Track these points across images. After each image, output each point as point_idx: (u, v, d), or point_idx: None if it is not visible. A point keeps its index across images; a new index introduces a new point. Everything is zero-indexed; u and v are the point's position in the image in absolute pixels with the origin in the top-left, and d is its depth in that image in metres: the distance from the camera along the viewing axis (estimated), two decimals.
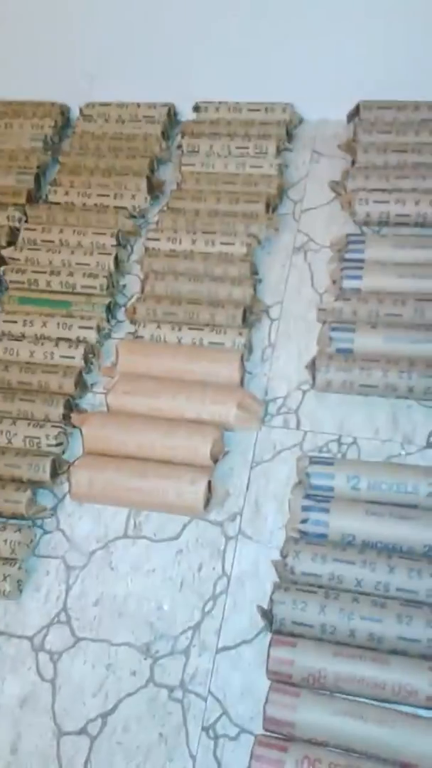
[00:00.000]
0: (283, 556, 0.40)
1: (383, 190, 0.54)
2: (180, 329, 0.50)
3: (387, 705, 0.36)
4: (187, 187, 0.58)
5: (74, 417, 0.48)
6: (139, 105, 0.64)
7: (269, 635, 0.38)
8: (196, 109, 0.63)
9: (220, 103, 0.62)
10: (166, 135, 0.62)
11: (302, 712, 0.36)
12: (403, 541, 0.40)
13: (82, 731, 0.39)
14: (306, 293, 0.53)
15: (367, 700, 0.36)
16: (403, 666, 0.36)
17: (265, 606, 0.39)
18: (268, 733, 0.36)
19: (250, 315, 0.51)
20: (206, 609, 0.42)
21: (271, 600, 0.39)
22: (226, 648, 0.40)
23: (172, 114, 0.64)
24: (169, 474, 0.44)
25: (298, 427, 0.48)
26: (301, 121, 0.62)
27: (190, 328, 0.50)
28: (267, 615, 0.39)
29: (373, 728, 0.35)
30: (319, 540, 0.41)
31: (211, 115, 0.62)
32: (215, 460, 0.45)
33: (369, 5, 0.57)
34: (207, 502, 0.44)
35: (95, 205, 0.58)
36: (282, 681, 0.37)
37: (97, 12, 0.62)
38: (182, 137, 0.61)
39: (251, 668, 0.39)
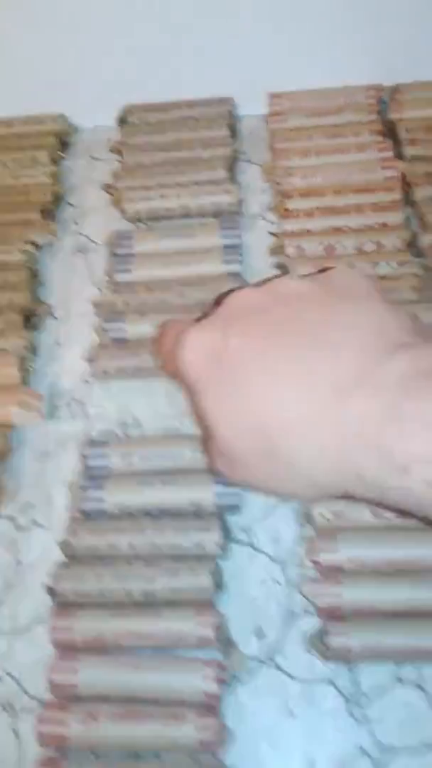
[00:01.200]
0: (66, 535, 0.44)
1: (149, 188, 0.59)
2: None
3: (163, 653, 0.41)
4: None
5: None
6: None
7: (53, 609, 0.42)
8: None
9: None
10: None
11: (84, 673, 0.39)
12: (171, 504, 0.44)
13: None
14: (88, 291, 0.57)
15: (145, 652, 0.40)
16: (173, 615, 0.40)
17: (51, 584, 0.43)
18: (55, 698, 0.40)
19: (32, 318, 0.55)
20: (1, 599, 0.45)
21: (53, 577, 0.42)
22: (21, 631, 0.43)
23: None
24: None
25: (85, 416, 0.51)
26: (75, 129, 0.67)
27: None
28: (52, 592, 0.42)
29: (147, 675, 0.39)
30: (98, 516, 0.45)
31: None
32: (1, 458, 0.49)
33: (122, 17, 0.63)
34: None
35: None
36: (67, 648, 0.41)
37: None
38: None
39: (45, 645, 0.42)
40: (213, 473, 0.35)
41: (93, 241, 0.59)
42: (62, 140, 0.64)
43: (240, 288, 0.33)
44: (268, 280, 0.36)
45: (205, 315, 0.34)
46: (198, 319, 0.34)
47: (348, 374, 0.27)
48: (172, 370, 0.34)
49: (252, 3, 0.62)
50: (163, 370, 0.39)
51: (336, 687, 0.40)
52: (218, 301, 0.34)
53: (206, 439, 0.33)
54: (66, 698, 0.39)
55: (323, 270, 0.36)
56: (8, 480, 0.48)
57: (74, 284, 0.57)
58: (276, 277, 0.35)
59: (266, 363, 0.29)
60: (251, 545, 0.44)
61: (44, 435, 0.50)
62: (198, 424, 0.35)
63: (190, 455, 0.45)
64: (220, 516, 0.44)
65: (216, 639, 0.39)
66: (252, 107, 0.65)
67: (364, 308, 0.30)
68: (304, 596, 0.42)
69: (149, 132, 0.62)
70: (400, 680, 0.40)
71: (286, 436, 0.28)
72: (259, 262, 0.56)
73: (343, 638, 0.39)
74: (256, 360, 0.29)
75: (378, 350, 0.27)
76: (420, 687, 0.39)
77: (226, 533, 0.43)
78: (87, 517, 0.45)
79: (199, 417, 0.33)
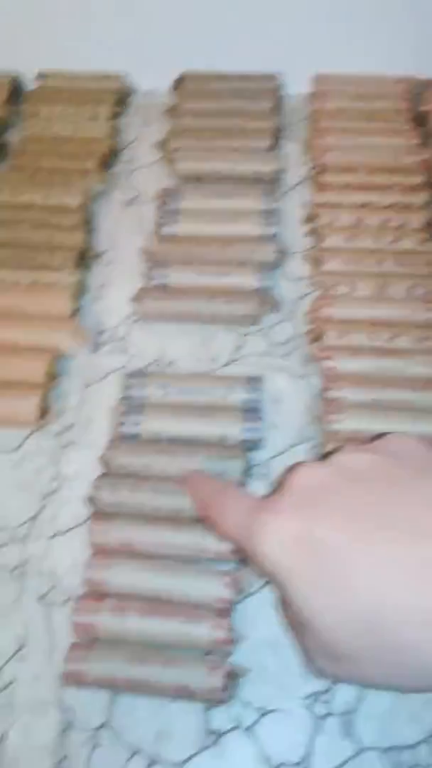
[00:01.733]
0: (106, 453, 0.45)
1: (198, 150, 0.58)
2: (20, 270, 0.52)
3: (186, 563, 0.42)
4: (29, 149, 0.60)
5: None
6: None
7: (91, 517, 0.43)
8: (40, 77, 0.66)
9: (60, 72, 0.65)
10: (10, 101, 0.65)
11: (116, 571, 0.41)
12: (202, 435, 0.45)
13: None
14: (136, 241, 0.57)
15: (170, 561, 0.42)
16: (197, 530, 0.41)
17: (91, 495, 0.44)
18: (89, 592, 0.41)
19: (83, 258, 0.55)
20: (43, 503, 0.46)
21: (93, 486, 0.43)
22: (59, 533, 0.45)
23: (17, 83, 0.66)
24: (6, 392, 0.48)
25: (125, 352, 0.52)
26: (132, 90, 0.66)
27: (30, 270, 0.53)
28: (91, 500, 0.44)
29: (169, 578, 0.40)
30: (134, 438, 0.46)
31: (52, 83, 0.65)
32: (50, 380, 0.49)
33: None
34: (42, 416, 0.48)
35: None
36: (101, 551, 0.42)
37: None
38: (24, 104, 0.64)
39: (80, 548, 0.43)
40: (310, 671, 0.31)
41: (143, 195, 0.59)
42: (121, 99, 0.64)
43: (301, 465, 0.30)
44: (328, 455, 0.32)
45: (269, 493, 0.31)
46: (265, 497, 0.30)
47: None
48: (236, 544, 0.32)
49: None
50: (208, 526, 0.37)
51: None
52: (282, 480, 0.31)
53: (301, 634, 0.29)
54: (98, 593, 0.40)
55: (377, 437, 0.32)
56: (53, 401, 0.49)
57: (123, 233, 0.58)
58: (334, 451, 0.31)
59: (364, 551, 0.26)
60: (268, 478, 0.46)
61: (88, 366, 0.51)
62: (286, 617, 0.32)
63: (222, 394, 0.46)
64: (244, 449, 0.45)
65: (232, 553, 0.41)
66: (297, 86, 0.65)
67: None
68: None
69: (202, 99, 0.61)
70: None
71: (410, 629, 0.24)
72: (293, 229, 0.56)
73: None
74: (351, 548, 0.26)
75: None
76: None
77: (248, 465, 0.44)
78: (124, 439, 0.46)
79: (289, 609, 0.29)
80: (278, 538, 0.27)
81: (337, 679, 0.30)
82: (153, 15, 0.64)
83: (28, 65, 0.66)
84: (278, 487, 0.30)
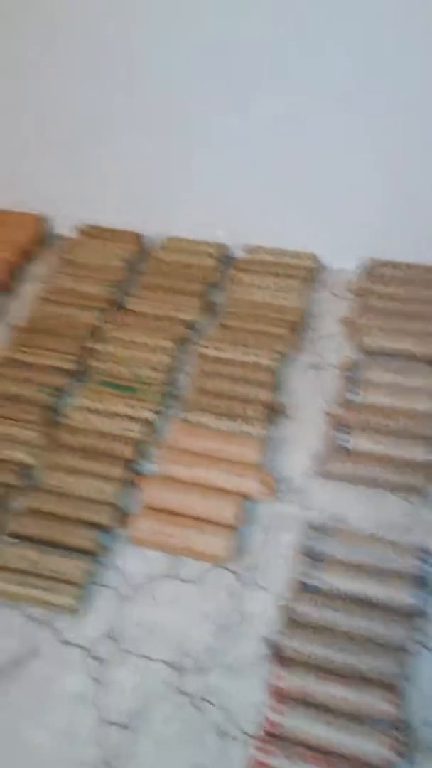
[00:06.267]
0: (287, 600, 0.53)
1: (383, 329, 0.69)
2: (220, 418, 0.64)
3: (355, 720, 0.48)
4: (234, 311, 0.74)
5: (138, 477, 0.61)
6: (199, 243, 0.81)
7: (269, 659, 0.51)
8: (246, 249, 0.80)
9: (263, 247, 0.79)
10: (219, 267, 0.79)
11: (290, 716, 0.47)
12: (373, 596, 0.52)
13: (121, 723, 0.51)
14: (316, 401, 0.67)
15: (341, 716, 0.48)
16: (369, 690, 0.48)
17: (270, 638, 0.51)
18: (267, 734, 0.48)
19: (272, 413, 0.65)
20: (224, 636, 0.53)
21: (276, 631, 0.51)
22: (237, 668, 0.51)
23: (227, 252, 0.81)
24: (201, 528, 0.57)
25: (303, 505, 0.61)
26: (323, 268, 0.79)
27: (227, 418, 0.64)
28: (271, 643, 0.51)
29: (340, 733, 0.47)
30: (314, 589, 0.53)
31: (256, 256, 0.79)
32: (237, 522, 0.58)
33: (385, 181, 0.75)
34: (228, 553, 0.56)
35: (161, 315, 0.74)
36: (278, 693, 0.48)
37: (170, 164, 0.80)
38: (233, 270, 0.78)
39: (256, 686, 0.50)
40: None
41: (326, 361, 0.70)
42: (313, 275, 0.76)
43: None
44: None
45: None
46: None
47: None
48: None
49: None
50: None
51: None
52: None
53: None
54: (274, 735, 0.47)
55: None
56: (238, 541, 0.57)
57: (306, 393, 0.68)
58: None
59: None
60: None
61: (270, 513, 0.60)
62: None
63: (393, 558, 0.54)
64: (410, 614, 0.51)
65: (396, 716, 0.46)
66: None
67: None
68: None
69: (388, 283, 0.73)
70: None
71: None
72: None
73: None
74: None
75: None
76: None
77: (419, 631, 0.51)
78: (305, 588, 0.53)
79: None
80: None
81: None
82: (345, 203, 0.77)
83: (237, 238, 0.81)
84: None
